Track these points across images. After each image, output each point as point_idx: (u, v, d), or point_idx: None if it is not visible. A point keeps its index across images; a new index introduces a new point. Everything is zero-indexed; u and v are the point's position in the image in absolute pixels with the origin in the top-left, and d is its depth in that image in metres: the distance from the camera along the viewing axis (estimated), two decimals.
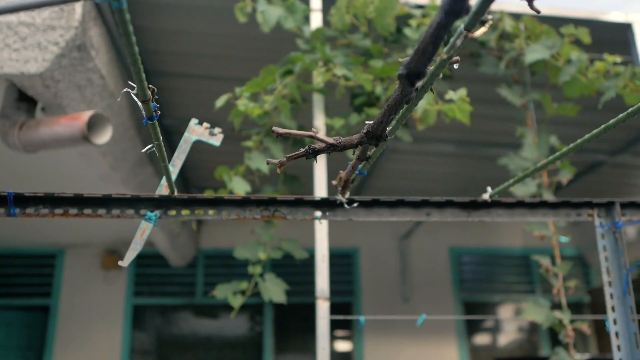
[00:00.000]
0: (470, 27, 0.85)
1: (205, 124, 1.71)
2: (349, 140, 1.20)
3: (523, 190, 2.66)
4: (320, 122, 2.69)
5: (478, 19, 0.82)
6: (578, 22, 2.86)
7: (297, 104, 2.68)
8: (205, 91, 3.75)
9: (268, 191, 2.82)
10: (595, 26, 2.91)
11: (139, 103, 1.03)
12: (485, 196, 1.81)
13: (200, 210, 1.69)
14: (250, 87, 2.58)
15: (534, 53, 2.49)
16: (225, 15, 3.04)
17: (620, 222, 1.82)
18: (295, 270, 6.05)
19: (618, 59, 2.42)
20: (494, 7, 2.85)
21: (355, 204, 1.74)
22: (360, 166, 1.43)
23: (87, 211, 1.53)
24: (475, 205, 1.82)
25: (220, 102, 2.63)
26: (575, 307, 6.65)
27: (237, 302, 2.55)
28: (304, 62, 2.60)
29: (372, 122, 1.12)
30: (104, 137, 2.77)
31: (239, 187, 2.55)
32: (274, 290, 2.61)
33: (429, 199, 1.78)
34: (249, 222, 6.00)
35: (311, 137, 1.19)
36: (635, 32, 3.05)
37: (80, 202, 1.52)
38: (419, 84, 0.93)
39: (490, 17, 1.02)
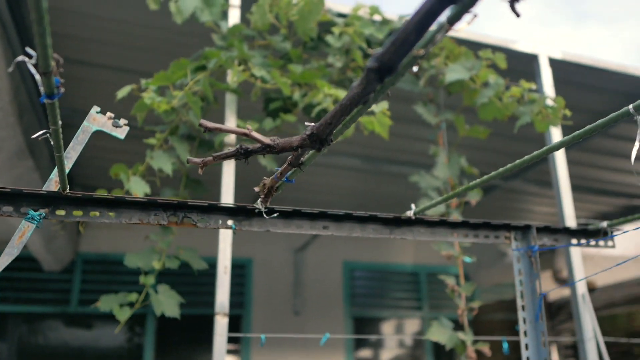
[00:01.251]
0: (454, 21, 0.74)
1: (109, 114, 1.50)
2: (288, 142, 1.06)
3: (432, 209, 2.65)
4: (231, 124, 2.52)
5: (466, 11, 0.72)
6: (490, 48, 2.92)
7: (208, 103, 2.49)
8: (105, 82, 3.44)
9: (168, 194, 2.59)
10: (506, 54, 2.99)
11: (37, 76, 0.82)
12: (410, 213, 1.74)
13: (96, 212, 1.47)
14: (158, 80, 2.36)
15: (454, 73, 2.50)
16: (135, 1, 2.79)
17: (536, 246, 1.82)
18: (184, 280, 5.74)
19: (533, 86, 2.48)
20: None
21: (275, 214, 1.59)
22: (289, 173, 1.30)
23: None
24: (398, 222, 1.74)
25: (122, 92, 2.38)
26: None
27: (123, 315, 2.30)
28: (220, 59, 2.43)
29: (317, 123, 0.99)
30: None
31: (138, 189, 2.31)
32: (167, 303, 2.39)
33: (352, 213, 1.68)
34: (139, 226, 5.62)
35: (245, 135, 1.03)
36: (541, 63, 3.18)
37: None
38: (387, 80, 0.81)
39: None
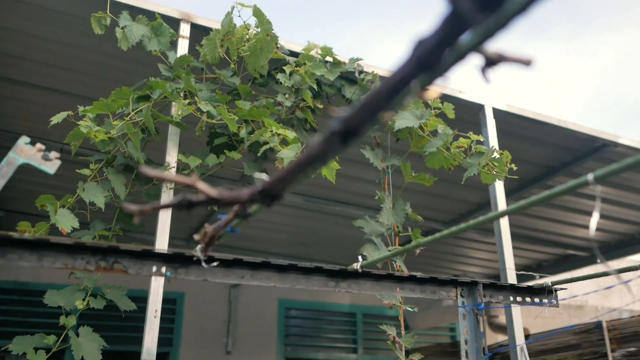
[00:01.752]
0: (426, 85, 0.69)
1: (39, 145, 1.37)
2: (236, 196, 0.97)
3: (376, 255, 2.60)
4: (172, 158, 2.41)
5: (440, 76, 0.67)
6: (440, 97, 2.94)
7: (149, 134, 2.37)
8: (41, 104, 3.25)
9: (99, 228, 2.43)
10: (453, 102, 3.02)
11: None
12: (356, 266, 1.67)
13: (14, 254, 1.32)
14: (98, 108, 2.23)
15: (404, 120, 2.49)
16: (79, 24, 2.66)
17: (482, 304, 1.79)
18: (110, 314, 5.41)
19: (481, 138, 2.50)
20: (367, 68, 2.83)
21: (215, 263, 1.49)
22: (233, 223, 1.21)
23: None
24: (344, 275, 1.67)
25: (57, 118, 2.23)
26: None
27: None
28: (165, 90, 2.32)
29: (270, 179, 0.91)
30: None
31: (66, 223, 2.14)
32: (88, 347, 2.20)
33: (297, 264, 1.59)
34: None
35: (189, 186, 0.94)
36: (487, 113, 3.23)
37: None
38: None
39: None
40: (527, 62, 0.57)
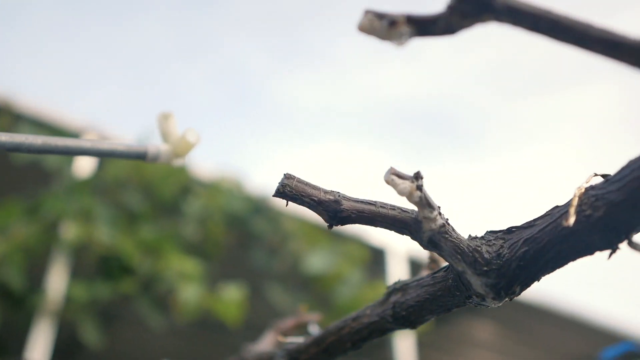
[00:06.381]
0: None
1: None
2: None
3: None
4: (58, 286, 2.15)
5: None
6: (347, 239, 2.91)
7: (33, 255, 2.12)
8: None
9: None
10: (359, 244, 3.00)
11: None
12: None
13: None
14: None
15: (316, 259, 2.43)
16: None
17: None
18: None
19: (390, 283, 2.46)
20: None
21: None
22: None
23: None
24: None
25: None
26: None
27: None
28: (56, 206, 2.12)
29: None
30: None
31: None
32: None
33: None
34: None
35: None
36: (388, 258, 3.24)
37: None
38: None
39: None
40: None
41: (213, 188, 2.59)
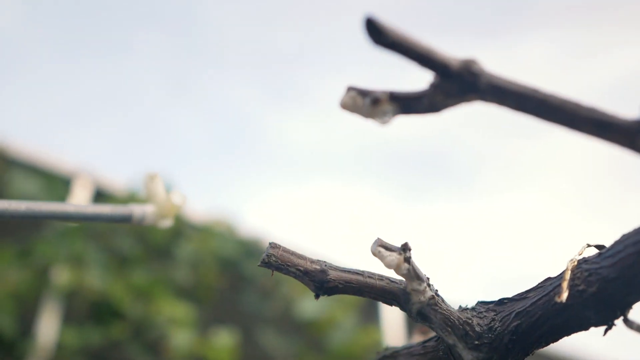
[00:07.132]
0: None
1: None
2: None
3: None
4: (49, 331, 2.11)
5: None
6: None
7: (24, 300, 2.09)
8: None
9: None
10: None
11: None
12: None
13: None
14: None
15: (309, 303, 2.40)
16: None
17: None
18: None
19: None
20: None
21: None
22: None
23: None
24: None
25: None
26: None
27: None
28: (47, 251, 2.10)
29: None
30: None
31: None
32: None
33: None
34: None
35: None
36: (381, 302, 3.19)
37: None
38: None
39: None
40: None
41: (205, 232, 2.58)
